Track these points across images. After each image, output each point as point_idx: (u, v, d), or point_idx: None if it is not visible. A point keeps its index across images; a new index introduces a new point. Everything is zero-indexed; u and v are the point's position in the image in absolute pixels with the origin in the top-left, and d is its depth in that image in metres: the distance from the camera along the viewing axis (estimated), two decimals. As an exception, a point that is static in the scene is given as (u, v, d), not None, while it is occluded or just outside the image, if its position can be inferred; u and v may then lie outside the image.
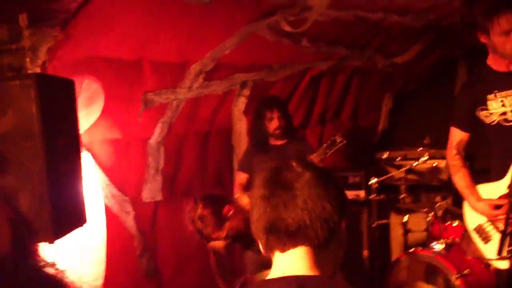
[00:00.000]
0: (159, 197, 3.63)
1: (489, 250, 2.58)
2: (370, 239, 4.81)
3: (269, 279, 1.35)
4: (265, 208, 1.35)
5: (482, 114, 2.57)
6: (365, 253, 4.77)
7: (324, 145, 3.59)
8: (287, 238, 1.33)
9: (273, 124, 3.77)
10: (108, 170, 3.21)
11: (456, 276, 3.60)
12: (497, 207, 2.54)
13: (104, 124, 3.00)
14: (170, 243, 3.83)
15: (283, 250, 1.35)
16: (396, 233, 5.05)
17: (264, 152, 3.85)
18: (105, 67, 2.86)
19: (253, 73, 3.89)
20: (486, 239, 2.60)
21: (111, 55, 2.84)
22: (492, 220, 2.57)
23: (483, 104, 2.56)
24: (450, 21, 4.12)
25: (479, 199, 2.64)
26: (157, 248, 3.72)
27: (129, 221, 3.38)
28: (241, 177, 4.02)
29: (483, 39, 2.50)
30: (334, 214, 1.36)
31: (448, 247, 3.86)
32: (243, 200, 2.92)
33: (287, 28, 3.17)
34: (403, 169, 4.56)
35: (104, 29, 2.56)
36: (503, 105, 2.51)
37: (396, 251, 5.05)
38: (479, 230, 2.65)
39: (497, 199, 2.57)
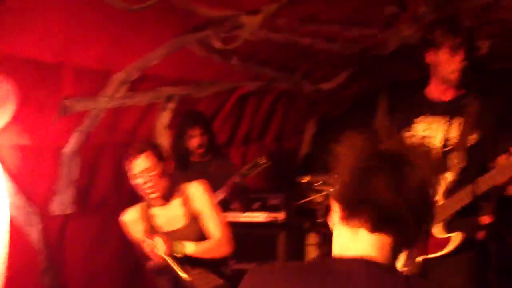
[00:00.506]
0: (70, 210, 3.43)
1: None
2: (287, 261, 4.80)
3: (350, 257, 1.25)
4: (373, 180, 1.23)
5: (405, 135, 2.64)
6: (281, 275, 4.74)
7: (247, 166, 3.57)
8: (381, 220, 1.23)
9: (194, 141, 3.69)
10: (16, 178, 3.00)
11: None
12: None
13: (15, 128, 2.80)
14: (80, 258, 3.66)
15: (372, 231, 1.24)
16: (313, 256, 5.08)
17: (184, 169, 3.76)
18: (21, 68, 2.68)
19: (180, 87, 3.81)
20: None
21: (29, 56, 2.67)
22: None
23: (408, 126, 2.63)
24: (375, 53, 4.24)
25: None
26: (65, 263, 3.51)
27: (34, 234, 3.17)
28: None
29: (431, 58, 2.57)
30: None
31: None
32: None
33: (218, 44, 3.13)
34: (323, 193, 4.61)
35: (23, 27, 2.40)
36: (424, 130, 2.59)
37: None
38: None
39: None
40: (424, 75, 2.69)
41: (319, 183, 5.09)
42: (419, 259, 2.50)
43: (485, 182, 2.37)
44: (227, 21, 2.99)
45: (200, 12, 2.87)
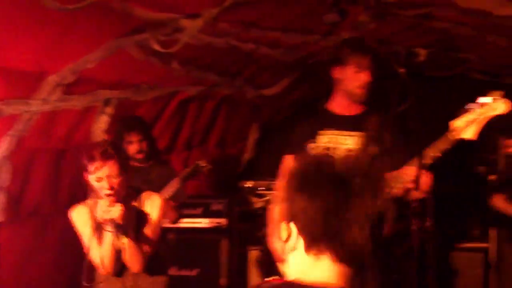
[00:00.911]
0: (1, 218, 3.28)
1: None
2: (229, 267, 4.77)
3: (311, 284, 1.26)
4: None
5: (309, 146, 2.75)
6: (223, 281, 4.71)
7: (188, 169, 3.51)
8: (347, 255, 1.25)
9: (132, 148, 3.60)
10: None
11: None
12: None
13: None
14: (12, 269, 3.51)
15: (335, 261, 1.25)
16: (255, 261, 5.06)
17: None
18: None
19: (119, 91, 3.71)
20: None
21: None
22: None
23: (313, 138, 2.76)
24: (316, 60, 4.29)
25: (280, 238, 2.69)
26: (-5, 274, 3.35)
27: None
28: None
29: (336, 73, 2.69)
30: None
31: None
32: None
33: (157, 47, 3.07)
34: (265, 198, 4.61)
35: None
36: (329, 142, 2.71)
37: (254, 279, 5.06)
38: None
39: None
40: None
41: (262, 188, 5.10)
42: None
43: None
44: (166, 24, 2.94)
45: (138, 14, 2.81)
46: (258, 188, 5.18)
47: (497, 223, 3.91)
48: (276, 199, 2.83)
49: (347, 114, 2.73)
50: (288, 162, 2.87)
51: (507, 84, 5.02)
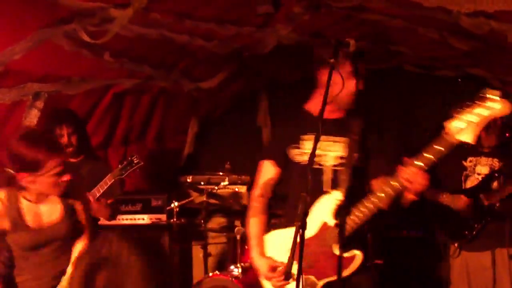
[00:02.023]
0: None
1: None
2: (170, 262, 4.71)
3: None
4: None
5: (293, 152, 2.59)
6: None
7: (120, 166, 3.44)
8: None
9: (62, 141, 3.49)
10: None
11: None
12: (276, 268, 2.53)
13: None
14: None
15: None
16: (197, 257, 5.03)
17: None
18: None
19: (48, 84, 3.59)
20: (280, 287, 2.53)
21: None
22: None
23: (296, 142, 2.59)
24: (253, 53, 4.28)
25: (262, 254, 2.60)
26: None
27: None
28: None
29: (323, 77, 2.47)
30: None
31: (245, 270, 3.93)
32: None
33: (86, 38, 2.98)
34: (205, 193, 4.59)
35: None
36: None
37: (197, 274, 5.03)
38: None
39: (276, 262, 2.54)
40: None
41: (201, 183, 5.08)
42: (320, 283, 2.46)
43: (372, 204, 2.38)
44: (95, 14, 2.86)
45: (65, 3, 2.72)
46: (198, 183, 5.15)
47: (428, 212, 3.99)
48: (253, 210, 2.67)
49: (330, 117, 2.53)
50: (267, 168, 2.68)
51: (440, 76, 5.19)
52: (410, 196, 2.38)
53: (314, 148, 2.23)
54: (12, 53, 3.00)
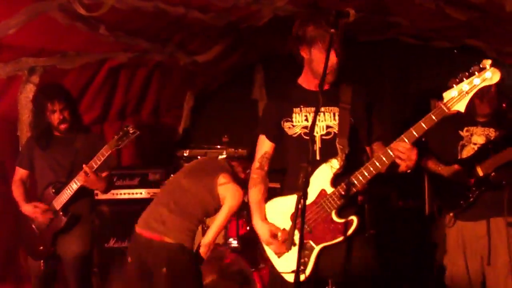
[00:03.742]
0: None
1: (282, 264, 2.62)
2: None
3: None
4: None
5: (286, 125, 2.65)
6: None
7: (116, 136, 3.40)
8: None
9: (55, 117, 3.46)
10: None
11: (252, 270, 3.72)
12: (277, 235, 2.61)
13: None
14: None
15: None
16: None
17: (47, 145, 3.54)
18: None
19: (44, 59, 3.56)
20: (280, 252, 2.62)
21: None
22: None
23: (288, 116, 2.64)
24: (249, 25, 4.25)
25: (263, 219, 2.68)
26: None
27: None
28: (20, 172, 3.65)
29: (304, 54, 2.57)
30: None
31: (244, 242, 3.97)
32: None
33: (81, 10, 2.95)
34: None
35: None
36: (306, 120, 2.62)
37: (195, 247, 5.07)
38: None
39: (277, 228, 2.62)
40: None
41: (199, 157, 5.08)
42: (317, 248, 2.54)
43: (368, 172, 2.45)
44: (90, -14, 2.83)
45: (60, -24, 2.69)
46: (195, 157, 5.15)
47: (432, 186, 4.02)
48: (252, 181, 2.74)
49: (318, 89, 2.45)
50: (262, 142, 2.75)
51: (436, 47, 5.18)
52: (401, 169, 2.45)
53: (314, 120, 2.28)
54: (7, 28, 2.98)
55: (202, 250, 3.24)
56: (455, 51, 5.10)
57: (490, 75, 2.29)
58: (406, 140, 2.38)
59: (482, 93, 3.30)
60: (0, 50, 3.19)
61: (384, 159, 2.42)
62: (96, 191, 3.80)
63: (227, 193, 3.20)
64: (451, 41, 4.92)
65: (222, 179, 3.23)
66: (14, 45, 3.28)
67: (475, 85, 2.31)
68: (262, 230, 2.66)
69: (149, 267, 3.13)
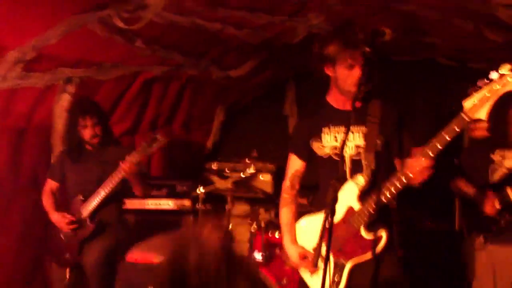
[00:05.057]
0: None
1: (314, 282, 2.61)
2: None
3: None
4: None
5: (315, 145, 2.65)
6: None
7: (144, 143, 3.43)
8: None
9: (87, 132, 3.52)
10: None
11: (276, 286, 3.70)
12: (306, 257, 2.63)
13: None
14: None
15: None
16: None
17: (78, 159, 3.59)
18: None
19: (81, 70, 3.62)
20: (312, 272, 2.63)
21: None
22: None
23: (317, 135, 2.65)
24: (283, 41, 4.26)
25: (293, 241, 2.70)
26: None
27: None
28: (50, 184, 3.71)
29: (329, 72, 2.57)
30: None
31: (269, 257, 3.96)
32: None
33: (120, 24, 3.00)
34: (230, 180, 4.61)
35: None
36: (335, 140, 2.61)
37: (220, 260, 5.06)
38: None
39: (306, 251, 2.64)
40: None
41: (226, 170, 5.09)
42: (348, 265, 2.54)
43: (398, 182, 2.43)
44: (130, 1, 2.87)
45: (101, -11, 2.74)
46: (223, 170, 5.17)
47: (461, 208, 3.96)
48: (283, 201, 2.77)
49: (346, 109, 2.58)
50: (293, 161, 2.76)
51: (473, 68, 5.11)
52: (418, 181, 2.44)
53: (344, 140, 2.35)
54: (48, 38, 3.03)
55: None
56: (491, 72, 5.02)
57: (510, 80, 2.24)
58: (430, 153, 2.34)
59: None
60: (39, 60, 3.25)
61: (402, 177, 2.41)
62: (124, 200, 3.85)
63: None
64: (488, 63, 4.85)
65: None
66: (53, 55, 3.34)
67: (495, 91, 2.26)
68: (291, 252, 2.68)
69: None
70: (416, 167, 2.36)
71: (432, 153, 2.35)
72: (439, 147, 2.34)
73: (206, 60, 4.39)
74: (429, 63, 5.32)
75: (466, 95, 2.36)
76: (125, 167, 3.39)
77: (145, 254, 3.46)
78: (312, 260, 2.57)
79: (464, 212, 3.80)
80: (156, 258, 3.31)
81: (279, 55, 4.75)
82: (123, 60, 3.81)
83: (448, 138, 2.33)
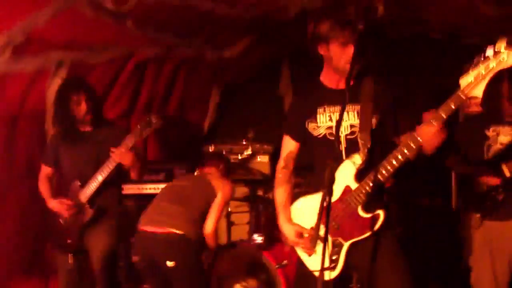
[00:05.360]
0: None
1: (312, 262, 2.60)
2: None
3: None
4: None
5: (310, 126, 2.63)
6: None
7: (139, 126, 3.40)
8: None
9: (81, 108, 3.45)
10: None
11: (276, 266, 3.72)
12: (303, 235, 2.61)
13: None
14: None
15: None
16: (220, 226, 5.07)
17: (72, 140, 3.54)
18: None
19: (71, 52, 3.58)
20: (307, 252, 2.61)
21: None
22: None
23: (312, 116, 2.62)
24: (276, 19, 4.22)
25: (288, 220, 2.68)
26: None
27: None
28: (45, 169, 3.67)
29: (322, 51, 2.53)
30: None
31: (269, 239, 3.97)
32: None
33: (109, 4, 2.95)
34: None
35: None
36: (330, 120, 2.59)
37: (220, 243, 5.08)
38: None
39: (303, 228, 2.62)
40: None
41: (224, 152, 5.08)
42: (346, 244, 2.52)
43: (396, 160, 2.41)
44: (118, -20, 2.83)
45: (88, -31, 2.69)
46: (221, 152, 5.15)
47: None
48: (278, 181, 2.75)
49: (340, 87, 2.57)
50: (286, 142, 2.75)
51: (467, 45, 5.07)
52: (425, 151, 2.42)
53: (340, 120, 2.28)
54: (35, 21, 3.00)
55: (209, 242, 3.46)
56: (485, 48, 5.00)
57: (505, 57, 2.21)
58: (443, 115, 2.31)
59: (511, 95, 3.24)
60: (29, 43, 3.21)
61: (412, 144, 2.37)
62: (123, 186, 3.83)
63: (219, 183, 3.51)
64: (481, 37, 4.82)
65: (212, 174, 3.62)
66: (42, 38, 3.30)
67: (491, 68, 2.24)
68: (288, 231, 2.66)
69: (156, 261, 3.18)
70: (429, 132, 2.34)
71: (443, 118, 2.33)
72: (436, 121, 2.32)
73: (199, 40, 4.35)
74: (422, 38, 5.28)
75: (461, 71, 2.35)
76: (119, 153, 3.36)
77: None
78: (309, 237, 2.56)
79: (461, 189, 3.81)
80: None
81: (272, 33, 4.71)
82: (114, 42, 3.77)
83: (444, 116, 2.32)
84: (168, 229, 3.21)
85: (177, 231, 3.22)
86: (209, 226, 3.42)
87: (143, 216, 3.40)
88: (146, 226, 3.27)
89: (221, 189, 3.51)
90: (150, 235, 3.22)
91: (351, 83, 2.53)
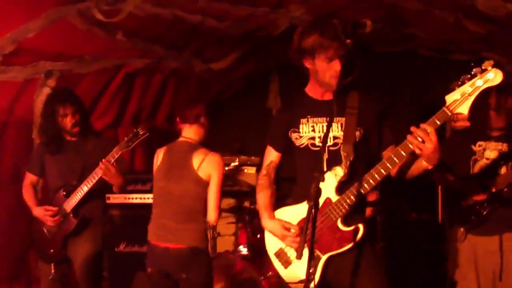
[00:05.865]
0: None
1: (289, 274, 2.62)
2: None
3: None
4: None
5: (293, 136, 2.64)
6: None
7: (126, 138, 3.40)
8: None
9: (68, 120, 3.46)
10: None
11: (261, 278, 3.73)
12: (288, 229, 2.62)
13: None
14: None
15: None
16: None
17: (57, 150, 3.54)
18: None
19: (61, 63, 3.59)
20: (286, 262, 2.63)
21: None
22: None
23: (295, 126, 2.64)
24: (265, 33, 4.26)
25: (271, 217, 2.69)
26: None
27: None
28: (30, 177, 3.66)
29: (308, 65, 2.55)
30: None
31: (254, 250, 3.97)
32: None
33: (100, 16, 2.97)
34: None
35: None
36: (313, 130, 2.60)
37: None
38: (280, 254, 2.67)
39: (289, 223, 2.62)
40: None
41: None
42: (324, 257, 2.53)
43: (377, 174, 2.43)
44: (109, -7, 2.86)
45: (79, -18, 2.72)
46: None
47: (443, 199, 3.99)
48: (260, 187, 2.77)
49: (325, 99, 2.60)
50: (269, 152, 2.77)
51: (454, 60, 5.15)
52: (424, 164, 2.43)
53: (327, 131, 2.30)
54: (26, 31, 3.01)
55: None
56: (472, 64, 5.06)
57: (492, 76, 2.26)
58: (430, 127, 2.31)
59: (499, 106, 3.27)
60: (19, 53, 3.22)
61: (395, 159, 2.39)
62: (108, 195, 3.82)
63: (209, 167, 3.25)
64: (469, 54, 4.90)
65: (196, 159, 3.29)
66: (33, 48, 3.31)
67: (477, 86, 2.28)
68: (273, 227, 2.65)
69: (172, 275, 3.18)
70: (428, 149, 2.32)
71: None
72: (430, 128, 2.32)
73: (188, 52, 4.38)
74: (410, 54, 5.35)
75: (448, 88, 2.39)
76: (103, 167, 3.37)
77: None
78: (296, 233, 2.55)
79: (446, 203, 3.83)
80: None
81: (261, 47, 4.75)
82: (104, 53, 3.79)
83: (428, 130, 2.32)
84: (179, 246, 3.20)
85: (188, 246, 3.21)
86: (212, 216, 3.26)
87: (150, 231, 3.35)
88: (157, 241, 3.25)
89: (215, 170, 3.25)
90: (162, 250, 3.22)
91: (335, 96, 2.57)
